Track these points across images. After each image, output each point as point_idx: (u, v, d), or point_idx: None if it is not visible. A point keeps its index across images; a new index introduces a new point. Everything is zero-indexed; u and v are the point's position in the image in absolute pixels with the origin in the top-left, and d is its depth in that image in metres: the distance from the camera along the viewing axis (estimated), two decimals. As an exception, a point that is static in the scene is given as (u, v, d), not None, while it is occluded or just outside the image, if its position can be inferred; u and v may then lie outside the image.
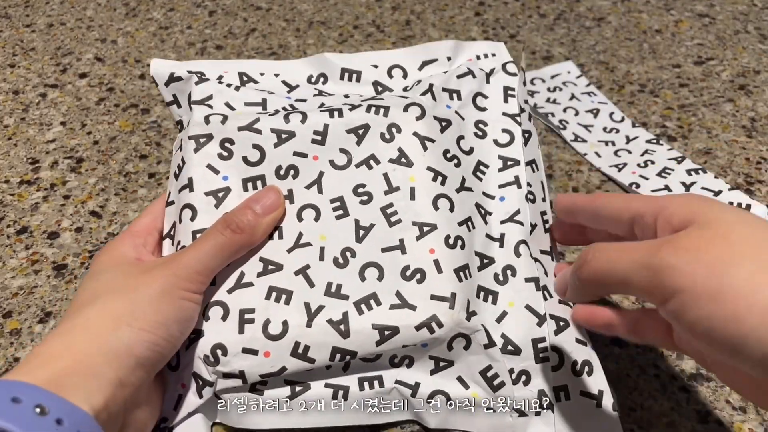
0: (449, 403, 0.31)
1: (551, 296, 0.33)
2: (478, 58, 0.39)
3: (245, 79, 0.37)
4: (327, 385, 0.31)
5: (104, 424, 0.24)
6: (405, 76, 0.38)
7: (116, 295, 0.28)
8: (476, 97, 0.37)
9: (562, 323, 0.32)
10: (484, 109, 0.37)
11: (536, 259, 0.34)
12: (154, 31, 0.66)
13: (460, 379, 0.32)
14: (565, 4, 0.65)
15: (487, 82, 0.38)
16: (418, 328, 0.30)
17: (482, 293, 0.33)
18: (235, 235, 0.30)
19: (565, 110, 0.53)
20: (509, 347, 0.32)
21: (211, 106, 0.35)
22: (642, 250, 0.23)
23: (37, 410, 0.22)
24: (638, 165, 0.47)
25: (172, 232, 0.33)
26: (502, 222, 0.35)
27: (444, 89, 0.37)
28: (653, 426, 0.34)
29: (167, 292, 0.28)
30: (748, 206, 0.42)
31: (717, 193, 0.44)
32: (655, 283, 0.22)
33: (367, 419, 0.31)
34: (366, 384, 0.31)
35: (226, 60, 0.38)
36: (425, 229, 0.32)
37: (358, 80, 0.38)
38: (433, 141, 0.34)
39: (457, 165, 0.35)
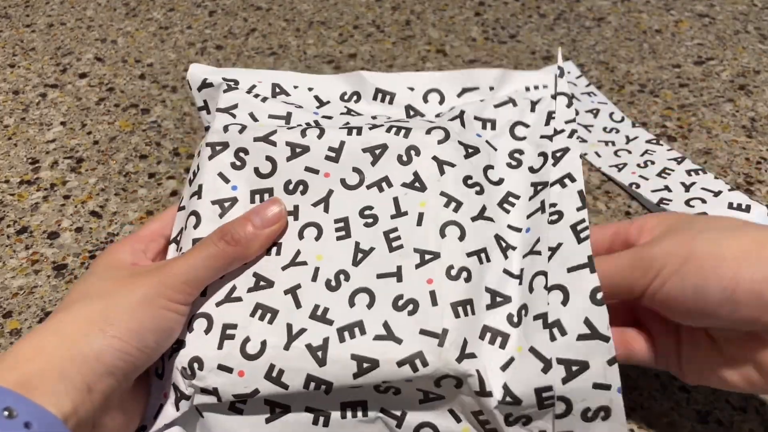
0: None
1: (565, 333, 0.28)
2: (527, 90, 0.37)
3: (277, 90, 0.37)
4: (308, 409, 0.30)
5: (74, 429, 0.24)
6: (441, 101, 0.37)
7: (96, 299, 0.27)
8: (515, 126, 0.36)
9: (576, 368, 0.28)
10: (522, 138, 0.35)
11: (555, 287, 0.29)
12: (154, 31, 0.66)
13: (452, 412, 0.30)
14: (565, 4, 0.65)
15: (532, 110, 0.36)
16: (400, 363, 0.28)
17: (489, 335, 0.30)
18: (229, 247, 0.29)
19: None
20: (508, 398, 0.28)
21: (234, 116, 0.34)
22: (626, 253, 0.29)
23: (5, 413, 0.21)
24: (638, 165, 0.47)
25: (178, 238, 0.32)
26: (524, 256, 0.31)
27: (477, 118, 0.35)
28: (653, 426, 0.34)
29: (148, 300, 0.27)
30: (748, 207, 0.42)
31: (717, 194, 0.44)
32: (643, 266, 0.27)
33: None
34: (349, 411, 0.30)
35: (263, 70, 0.38)
36: (427, 257, 0.30)
37: (390, 102, 0.37)
38: (453, 165, 0.33)
39: (479, 193, 0.33)
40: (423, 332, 0.28)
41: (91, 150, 0.51)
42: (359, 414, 0.30)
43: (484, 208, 0.32)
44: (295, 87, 0.37)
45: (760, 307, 0.25)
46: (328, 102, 0.37)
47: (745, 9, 0.64)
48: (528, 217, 0.33)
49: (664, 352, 0.30)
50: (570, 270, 0.29)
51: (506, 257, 0.31)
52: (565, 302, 0.29)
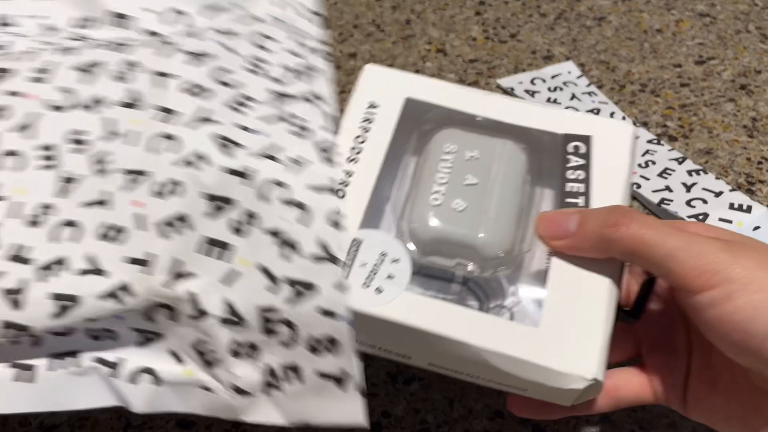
0: (158, 381, 0.27)
1: (300, 254, 0.27)
2: (276, 6, 0.35)
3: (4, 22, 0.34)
4: (13, 365, 0.26)
5: None
6: (178, 19, 0.35)
7: None
8: (260, 38, 0.34)
9: (303, 289, 0.27)
10: (268, 50, 0.34)
11: (295, 204, 0.28)
12: (153, 31, 0.66)
13: (173, 353, 0.28)
14: (565, 3, 0.65)
15: (280, 28, 0.35)
16: (103, 297, 0.26)
17: (210, 247, 0.27)
18: None
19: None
20: (231, 316, 0.27)
21: None
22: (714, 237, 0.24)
23: None
24: (639, 165, 0.47)
25: None
26: (254, 156, 0.28)
27: (216, 30, 0.33)
28: (654, 426, 0.34)
29: None
30: (749, 207, 0.42)
31: (718, 194, 0.44)
32: (709, 267, 0.23)
33: (55, 403, 0.27)
34: (57, 362, 0.27)
35: None
36: (135, 177, 0.28)
37: (128, 27, 0.34)
38: (174, 76, 0.31)
39: (203, 97, 0.30)
40: (129, 260, 0.26)
41: (90, 150, 0.51)
42: (69, 365, 0.27)
43: (206, 111, 0.30)
44: (30, 16, 0.35)
45: None
46: (56, 29, 0.34)
47: (746, 8, 0.63)
48: (264, 121, 0.30)
49: (667, 389, 0.29)
50: (314, 189, 0.28)
51: (229, 155, 0.28)
52: (304, 222, 0.27)
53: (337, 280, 0.27)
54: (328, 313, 0.27)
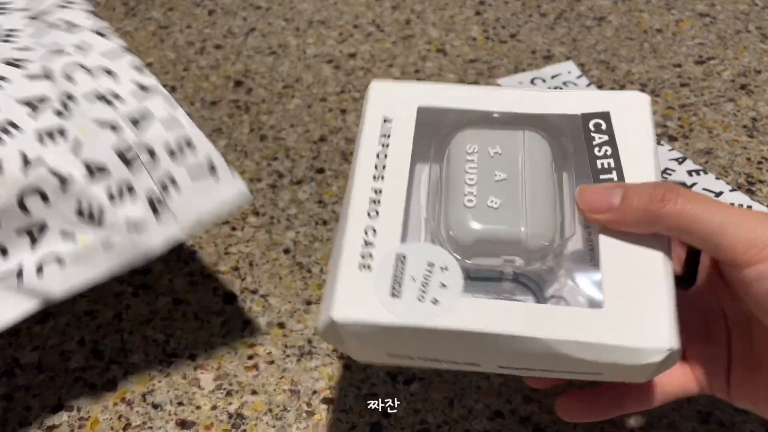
0: (62, 263, 0.30)
1: (120, 97, 0.33)
2: None
3: None
4: None
5: None
6: None
7: None
8: None
9: (141, 118, 0.32)
10: None
11: (100, 70, 0.34)
12: (153, 31, 0.66)
13: (64, 234, 0.30)
14: (565, 3, 0.65)
15: None
16: None
17: (47, 136, 0.31)
18: None
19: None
20: (96, 171, 0.30)
21: None
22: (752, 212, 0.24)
23: None
24: (639, 165, 0.47)
25: None
26: (45, 59, 0.34)
27: None
28: (654, 427, 0.34)
29: None
30: (749, 207, 0.42)
31: (718, 195, 0.44)
32: (759, 241, 0.22)
33: None
34: None
35: None
36: None
37: None
38: None
39: None
40: None
41: (90, 149, 0.51)
42: None
43: None
44: None
45: None
46: None
47: (746, 8, 0.63)
48: (36, 36, 0.36)
49: (711, 379, 0.28)
50: (107, 56, 0.35)
51: (23, 68, 0.33)
52: (114, 78, 0.34)
53: (164, 99, 0.33)
54: (171, 121, 0.32)
